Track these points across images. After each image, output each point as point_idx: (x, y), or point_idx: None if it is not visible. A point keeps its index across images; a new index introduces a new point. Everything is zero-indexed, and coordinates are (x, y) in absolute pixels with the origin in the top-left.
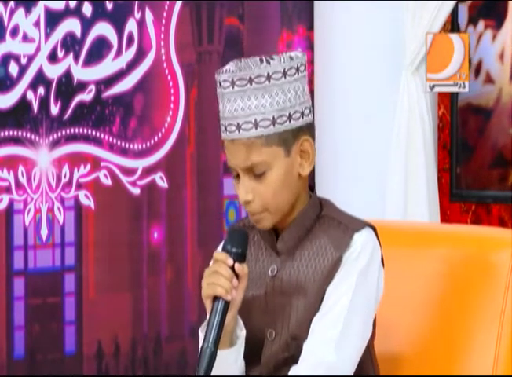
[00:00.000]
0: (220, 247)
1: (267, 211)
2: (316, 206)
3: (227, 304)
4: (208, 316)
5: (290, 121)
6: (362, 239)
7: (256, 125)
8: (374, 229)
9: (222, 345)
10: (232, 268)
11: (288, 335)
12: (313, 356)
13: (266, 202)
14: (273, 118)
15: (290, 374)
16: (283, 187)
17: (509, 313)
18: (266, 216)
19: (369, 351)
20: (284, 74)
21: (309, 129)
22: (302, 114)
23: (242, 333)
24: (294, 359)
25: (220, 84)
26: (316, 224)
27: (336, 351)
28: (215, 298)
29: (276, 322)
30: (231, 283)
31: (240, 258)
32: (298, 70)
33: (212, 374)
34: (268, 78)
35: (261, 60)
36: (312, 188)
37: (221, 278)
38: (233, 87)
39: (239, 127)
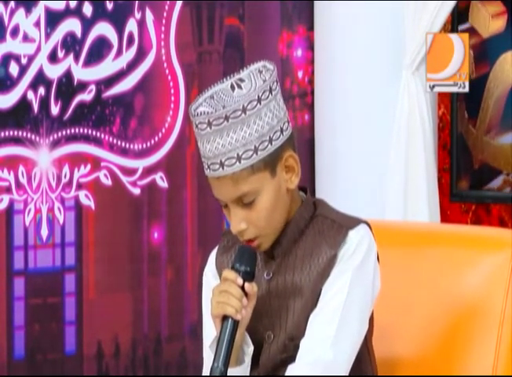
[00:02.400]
0: (214, 251)
1: (262, 235)
2: (310, 206)
3: (236, 323)
4: (218, 335)
5: (271, 143)
6: (357, 236)
7: (239, 158)
8: (369, 226)
9: (230, 364)
10: (242, 287)
11: (286, 336)
12: (310, 354)
13: (260, 227)
14: (255, 147)
15: (287, 372)
16: (275, 208)
17: (509, 313)
18: (263, 240)
19: (366, 348)
20: (259, 100)
21: (290, 143)
22: (282, 131)
23: (249, 350)
24: (292, 359)
25: (196, 125)
26: (310, 224)
27: (332, 348)
28: (224, 318)
29: (273, 324)
30: (241, 303)
31: (249, 276)
32: (271, 91)
33: None
34: (244, 110)
35: (232, 87)
36: (304, 189)
37: (232, 298)
38: (210, 128)
39: (222, 164)
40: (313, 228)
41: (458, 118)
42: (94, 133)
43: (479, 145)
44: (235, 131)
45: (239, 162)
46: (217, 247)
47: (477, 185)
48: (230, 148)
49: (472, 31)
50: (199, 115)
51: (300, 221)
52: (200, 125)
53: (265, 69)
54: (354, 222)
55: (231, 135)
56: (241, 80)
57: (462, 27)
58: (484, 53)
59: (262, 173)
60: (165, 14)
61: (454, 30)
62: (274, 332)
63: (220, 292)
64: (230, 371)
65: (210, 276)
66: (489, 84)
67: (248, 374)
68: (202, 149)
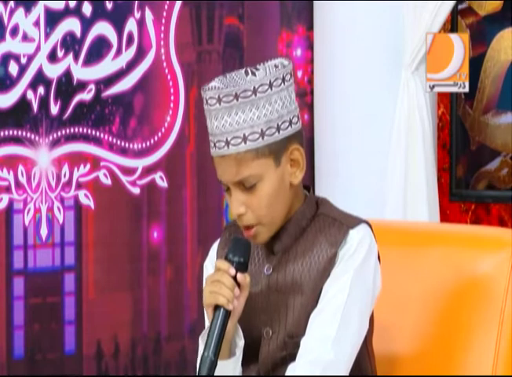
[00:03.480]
0: (216, 244)
1: (260, 224)
2: (313, 205)
3: (228, 313)
4: (209, 325)
5: (278, 132)
6: (358, 236)
7: (245, 139)
8: (370, 225)
9: (221, 356)
10: (234, 277)
11: (285, 334)
12: (310, 354)
13: (259, 214)
14: (262, 131)
15: (287, 372)
16: (276, 198)
17: (509, 313)
18: (260, 230)
19: (366, 348)
20: (270, 85)
21: (298, 138)
22: (290, 123)
23: (241, 342)
24: (291, 357)
25: (206, 101)
26: (311, 223)
27: (333, 348)
28: (216, 307)
29: (272, 321)
30: (233, 293)
31: (242, 267)
32: (283, 80)
33: None
34: (255, 91)
35: (247, 73)
36: (308, 187)
37: (223, 287)
38: (220, 104)
39: (228, 143)
40: (315, 225)
41: (457, 101)
42: (94, 132)
43: (476, 126)
44: (244, 111)
45: (245, 142)
46: (218, 240)
47: (474, 167)
48: (237, 128)
49: (469, 10)
50: (209, 90)
51: (302, 219)
52: (210, 100)
53: (281, 64)
54: (355, 221)
55: (239, 114)
56: (256, 69)
57: (461, 6)
58: (481, 32)
59: (266, 159)
60: (164, 14)
61: (454, 30)
62: (273, 329)
63: (212, 282)
64: (222, 364)
65: (210, 268)
66: (486, 63)
67: (239, 366)
68: (209, 126)
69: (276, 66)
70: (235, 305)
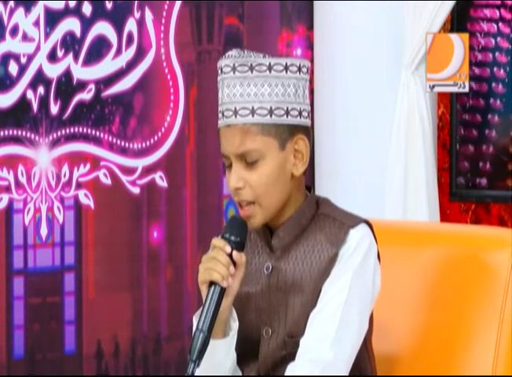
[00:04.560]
0: (219, 236)
1: (257, 204)
2: (313, 205)
3: (223, 290)
4: (203, 302)
5: (287, 116)
6: (357, 236)
7: (253, 112)
8: (370, 225)
9: (216, 335)
10: (230, 255)
11: (285, 333)
12: (310, 354)
13: (256, 191)
14: (270, 108)
15: (287, 371)
16: (275, 180)
17: (509, 313)
18: (256, 210)
19: (366, 348)
20: (286, 68)
21: (306, 132)
22: (300, 114)
23: (235, 325)
24: (291, 356)
25: (221, 70)
26: (311, 222)
27: (332, 348)
28: (211, 284)
29: (272, 320)
30: (228, 270)
31: (239, 246)
32: (299, 69)
33: (203, 364)
34: (270, 68)
35: (264, 56)
36: (309, 188)
37: (218, 264)
38: (234, 72)
39: (236, 112)
40: (315, 225)
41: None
42: (94, 132)
43: None
44: (256, 85)
45: (253, 115)
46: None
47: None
48: (247, 99)
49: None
50: (226, 58)
51: (301, 217)
52: (225, 67)
53: (300, 59)
54: (355, 221)
55: (251, 87)
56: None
57: None
58: None
59: (271, 139)
60: (164, 13)
61: (454, 30)
62: (272, 328)
63: (207, 259)
64: (216, 343)
65: None
66: None
67: (234, 347)
68: (220, 95)
69: (293, 59)
70: (230, 282)
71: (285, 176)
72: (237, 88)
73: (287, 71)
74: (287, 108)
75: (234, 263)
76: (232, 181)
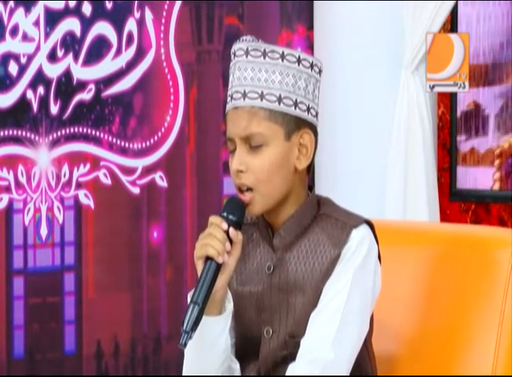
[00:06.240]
0: None
1: (256, 191)
2: (314, 204)
3: (218, 266)
4: (198, 277)
5: (295, 107)
6: (358, 236)
7: (262, 96)
8: (372, 225)
9: (211, 311)
10: (227, 233)
11: (286, 333)
12: (310, 354)
13: (258, 177)
14: (280, 96)
15: (287, 372)
16: (277, 169)
17: (509, 313)
18: (256, 198)
19: (366, 348)
20: (298, 61)
21: (312, 129)
22: (308, 110)
23: (230, 306)
24: (292, 356)
25: (234, 54)
26: (313, 222)
27: (333, 348)
28: (207, 260)
29: (272, 320)
30: (224, 246)
31: (236, 225)
32: (312, 66)
33: (197, 342)
34: (282, 56)
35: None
36: (310, 187)
37: (215, 239)
38: (247, 56)
39: (244, 95)
40: (317, 225)
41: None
42: (93, 132)
43: None
44: (267, 71)
45: (261, 100)
46: None
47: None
48: (257, 84)
49: None
50: (239, 42)
51: (303, 217)
52: (238, 51)
53: (313, 57)
54: (357, 221)
55: (262, 72)
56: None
57: None
58: None
59: (278, 126)
60: (164, 13)
61: (454, 30)
62: (273, 328)
63: (204, 236)
64: (212, 320)
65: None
66: None
67: (228, 329)
68: (231, 79)
69: (307, 54)
70: (226, 259)
71: (288, 167)
72: (248, 72)
73: (299, 64)
74: (296, 100)
75: (231, 241)
76: (234, 164)
